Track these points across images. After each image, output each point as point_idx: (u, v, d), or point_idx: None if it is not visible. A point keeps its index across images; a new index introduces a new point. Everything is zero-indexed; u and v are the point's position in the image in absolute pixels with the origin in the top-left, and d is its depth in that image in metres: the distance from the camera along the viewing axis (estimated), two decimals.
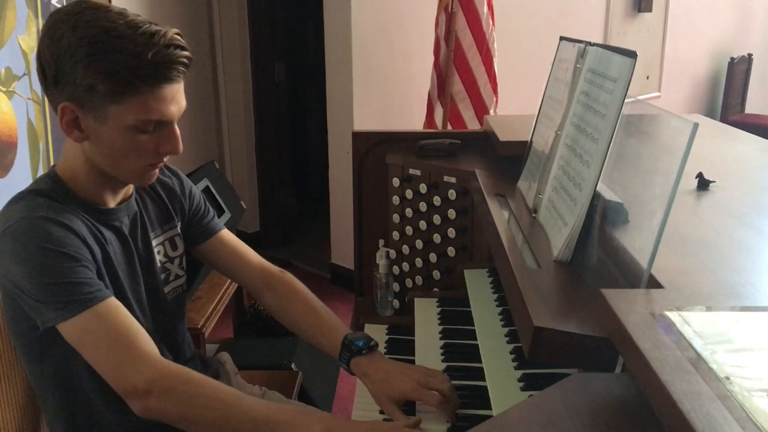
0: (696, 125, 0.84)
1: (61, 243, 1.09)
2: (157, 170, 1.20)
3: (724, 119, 5.95)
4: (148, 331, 1.23)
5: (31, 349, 1.19)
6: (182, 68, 1.10)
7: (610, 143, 1.08)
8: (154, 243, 1.30)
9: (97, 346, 1.08)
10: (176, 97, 1.12)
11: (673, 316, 0.77)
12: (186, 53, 1.10)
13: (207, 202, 1.44)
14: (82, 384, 1.19)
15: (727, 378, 0.65)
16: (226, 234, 1.44)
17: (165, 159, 1.18)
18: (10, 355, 1.26)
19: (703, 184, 1.35)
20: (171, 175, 1.38)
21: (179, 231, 1.37)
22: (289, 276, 1.45)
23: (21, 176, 2.18)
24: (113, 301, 1.12)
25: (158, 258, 1.31)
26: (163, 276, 1.32)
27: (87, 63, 1.05)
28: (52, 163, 2.29)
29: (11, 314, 1.17)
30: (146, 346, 1.10)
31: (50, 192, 1.15)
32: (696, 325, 0.75)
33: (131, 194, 1.27)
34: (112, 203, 1.23)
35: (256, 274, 1.43)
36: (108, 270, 1.18)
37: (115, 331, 1.09)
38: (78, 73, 1.06)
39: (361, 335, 1.31)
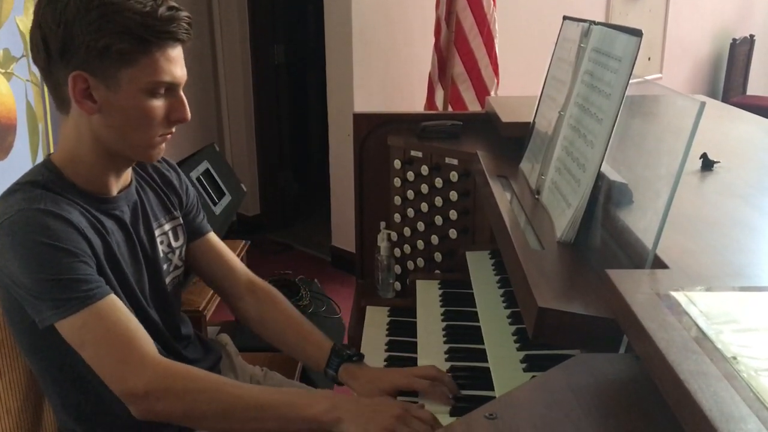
0: (703, 104, 0.83)
1: (59, 237, 1.06)
2: (164, 145, 1.19)
3: (725, 101, 5.92)
4: (150, 321, 1.24)
5: (33, 344, 1.18)
6: (188, 27, 1.12)
7: (614, 123, 1.07)
8: (157, 233, 1.29)
9: (95, 346, 1.07)
10: (181, 61, 1.13)
11: (678, 296, 0.77)
12: (188, 14, 1.12)
13: (200, 202, 1.44)
14: (86, 375, 1.17)
15: (734, 358, 0.65)
16: (215, 236, 1.43)
17: (173, 130, 1.17)
18: (12, 344, 1.26)
19: (708, 164, 1.35)
20: (170, 169, 1.37)
21: (181, 221, 1.36)
22: (275, 289, 1.45)
23: (21, 159, 2.17)
24: (112, 299, 1.10)
25: (161, 248, 1.30)
26: (164, 266, 1.31)
27: (100, 24, 1.04)
28: (51, 145, 2.28)
29: (10, 310, 1.15)
30: (145, 347, 1.09)
31: (47, 182, 1.12)
32: (702, 305, 0.75)
33: (130, 182, 1.26)
34: (113, 190, 1.21)
35: (241, 279, 1.42)
36: (110, 261, 1.16)
37: (114, 330, 1.08)
38: (91, 37, 1.05)
39: (349, 346, 1.34)
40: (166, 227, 1.33)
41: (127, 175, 1.24)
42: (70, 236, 1.08)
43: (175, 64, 1.11)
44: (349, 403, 1.08)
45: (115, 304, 1.10)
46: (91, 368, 1.15)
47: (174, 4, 1.11)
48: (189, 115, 1.16)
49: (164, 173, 1.35)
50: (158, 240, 1.29)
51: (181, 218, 1.36)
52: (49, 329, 1.10)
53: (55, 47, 1.07)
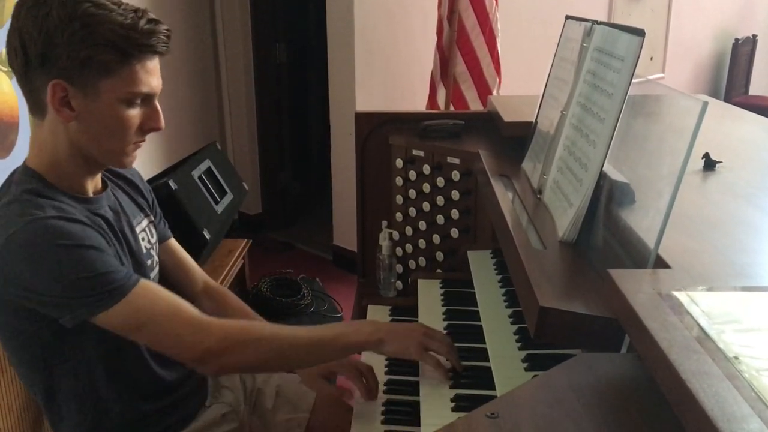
0: (706, 104, 0.83)
1: (81, 237, 1.08)
2: (136, 152, 1.21)
3: (727, 101, 5.91)
4: None
5: (34, 360, 1.18)
6: (166, 40, 1.13)
7: (616, 123, 1.07)
8: (137, 230, 1.31)
9: (156, 324, 1.12)
10: (158, 72, 1.15)
11: (680, 296, 0.77)
12: (167, 27, 1.14)
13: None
14: (89, 380, 1.20)
15: (736, 357, 0.65)
16: (175, 242, 1.48)
17: (145, 138, 1.20)
18: None
19: (710, 164, 1.34)
20: (133, 173, 1.40)
21: (153, 219, 1.40)
22: (228, 290, 1.52)
23: (23, 157, 2.17)
24: (145, 280, 1.15)
25: (143, 244, 1.32)
26: (148, 262, 1.32)
27: (83, 35, 1.05)
28: None
29: (11, 328, 1.15)
30: (197, 312, 1.16)
31: (39, 190, 1.13)
32: (704, 305, 0.75)
33: (104, 185, 1.27)
34: (89, 193, 1.22)
35: (197, 282, 1.48)
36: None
37: (167, 305, 1.14)
38: (73, 47, 1.05)
39: None
40: (144, 223, 1.36)
41: (98, 179, 1.26)
42: (90, 234, 1.10)
43: (153, 75, 1.14)
44: (386, 325, 1.29)
45: (151, 283, 1.16)
46: (96, 374, 1.19)
47: (153, 16, 1.12)
48: (163, 124, 1.18)
49: (129, 177, 1.38)
50: (140, 236, 1.31)
51: (152, 216, 1.40)
52: (55, 338, 1.12)
53: (35, 54, 1.07)
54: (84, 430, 1.24)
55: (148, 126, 1.17)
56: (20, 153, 2.18)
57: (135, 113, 1.14)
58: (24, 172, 1.17)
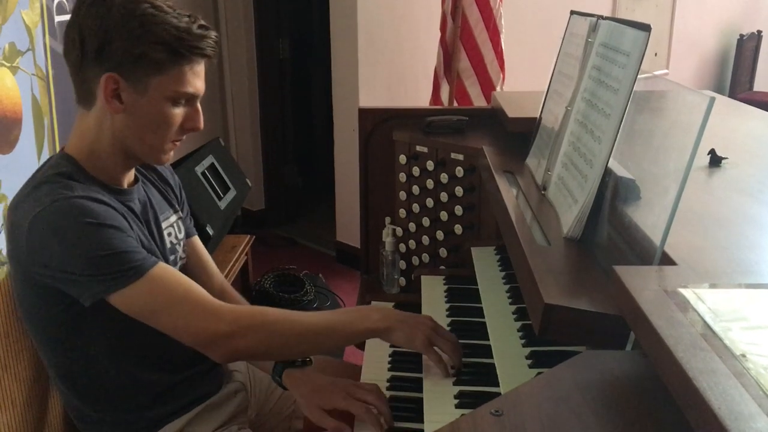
0: (713, 99, 0.82)
1: (104, 217, 1.12)
2: (173, 151, 1.26)
3: (732, 97, 5.89)
4: None
5: (54, 337, 1.21)
6: (215, 46, 1.20)
7: (622, 119, 1.06)
8: (164, 225, 1.35)
9: (169, 306, 1.14)
10: (203, 76, 1.22)
11: (686, 293, 0.76)
12: (216, 33, 1.21)
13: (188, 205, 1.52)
14: (99, 358, 1.23)
15: (743, 355, 0.64)
16: (198, 240, 1.50)
17: (183, 137, 1.25)
18: (17, 336, 1.27)
19: (716, 160, 1.34)
20: (164, 168, 1.43)
21: (182, 215, 1.43)
22: (243, 299, 1.51)
23: (26, 152, 2.17)
24: (163, 263, 1.17)
25: (169, 240, 1.35)
26: (172, 257, 1.35)
27: (140, 33, 1.13)
28: (57, 139, 2.28)
29: (33, 302, 1.19)
30: (211, 297, 1.18)
31: (72, 173, 1.18)
32: (710, 302, 0.74)
33: (136, 180, 1.32)
34: (124, 185, 1.27)
35: (215, 284, 1.47)
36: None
37: (181, 288, 1.16)
38: (129, 43, 1.13)
39: None
40: (172, 219, 1.39)
41: (132, 173, 1.31)
42: (113, 215, 1.14)
43: (199, 77, 1.20)
44: (395, 314, 1.25)
45: (168, 267, 1.18)
46: (104, 353, 1.22)
47: (205, 22, 1.19)
48: (202, 125, 1.23)
49: (161, 172, 1.42)
50: (166, 232, 1.35)
51: (181, 212, 1.43)
52: (77, 316, 1.15)
53: (92, 47, 1.14)
54: (104, 411, 1.26)
55: (188, 125, 1.22)
56: (24, 149, 2.18)
57: (178, 112, 1.20)
58: (61, 156, 1.22)
